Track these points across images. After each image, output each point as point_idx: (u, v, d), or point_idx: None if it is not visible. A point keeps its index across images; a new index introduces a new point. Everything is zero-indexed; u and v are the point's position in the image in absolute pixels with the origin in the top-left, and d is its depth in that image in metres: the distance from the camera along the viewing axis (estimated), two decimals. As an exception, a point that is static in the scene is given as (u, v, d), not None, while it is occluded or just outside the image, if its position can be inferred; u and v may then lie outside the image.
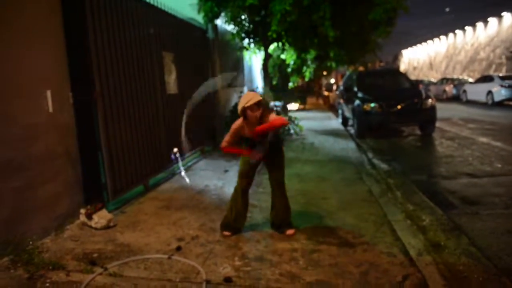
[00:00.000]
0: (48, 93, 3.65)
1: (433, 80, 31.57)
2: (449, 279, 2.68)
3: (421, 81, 28.70)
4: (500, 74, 19.73)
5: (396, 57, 59.57)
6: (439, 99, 19.64)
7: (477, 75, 27.79)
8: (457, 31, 39.05)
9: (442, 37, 43.09)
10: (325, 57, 13.30)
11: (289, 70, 14.24)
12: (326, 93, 25.48)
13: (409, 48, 54.22)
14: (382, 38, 11.49)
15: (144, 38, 5.26)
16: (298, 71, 14.23)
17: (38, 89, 3.57)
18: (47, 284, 2.74)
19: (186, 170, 6.34)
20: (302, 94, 19.93)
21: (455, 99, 21.85)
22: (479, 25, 34.43)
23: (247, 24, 9.84)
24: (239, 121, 3.40)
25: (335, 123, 12.95)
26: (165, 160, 5.77)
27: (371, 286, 2.63)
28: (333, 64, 14.14)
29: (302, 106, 19.21)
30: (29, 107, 3.46)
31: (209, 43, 8.43)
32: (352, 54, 13.04)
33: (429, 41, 46.84)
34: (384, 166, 6.55)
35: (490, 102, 17.39)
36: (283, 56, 13.01)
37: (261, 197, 4.59)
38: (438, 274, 2.73)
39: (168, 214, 4.21)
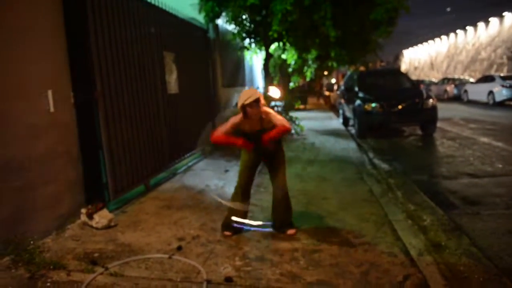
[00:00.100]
0: (49, 93, 3.65)
1: (434, 80, 31.56)
2: (450, 279, 2.67)
3: (422, 81, 28.68)
4: (501, 74, 19.71)
5: (397, 57, 59.53)
6: (440, 99, 19.64)
7: (478, 75, 27.77)
8: (458, 31, 39.00)
9: (443, 37, 43.05)
10: (326, 57, 13.31)
11: (290, 70, 14.26)
12: (327, 93, 25.49)
13: (410, 48, 54.17)
14: (383, 38, 11.48)
15: (145, 37, 5.26)
16: (299, 71, 14.25)
17: (39, 88, 3.57)
18: (48, 284, 2.74)
19: (187, 170, 6.35)
20: (303, 94, 19.93)
21: (456, 99, 21.85)
22: (480, 25, 34.39)
23: (248, 24, 9.85)
24: (238, 116, 3.35)
25: (336, 123, 12.94)
26: (166, 160, 5.77)
27: (371, 286, 2.62)
28: (334, 64, 14.16)
29: (303, 106, 19.20)
30: (30, 106, 3.46)
31: (210, 43, 8.43)
32: (353, 54, 13.04)
33: (430, 41, 46.79)
34: (385, 166, 6.55)
35: (491, 102, 17.38)
36: (284, 56, 13.02)
37: (262, 196, 4.59)
38: (439, 274, 2.73)
39: (169, 214, 4.21)
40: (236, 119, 3.36)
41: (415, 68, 52.59)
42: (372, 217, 3.90)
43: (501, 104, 16.80)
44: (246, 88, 12.08)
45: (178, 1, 6.56)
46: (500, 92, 16.89)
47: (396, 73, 13.16)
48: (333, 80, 32.71)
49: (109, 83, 4.35)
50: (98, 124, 4.17)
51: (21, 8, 3.40)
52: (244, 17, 9.31)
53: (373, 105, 9.31)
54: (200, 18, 8.32)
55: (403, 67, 55.79)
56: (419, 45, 50.64)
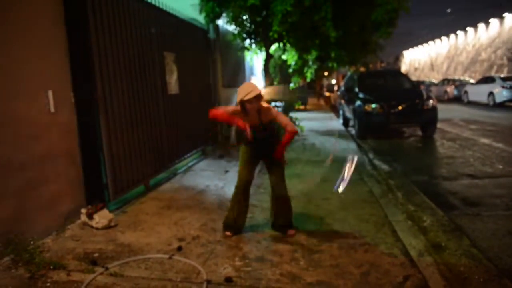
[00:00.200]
0: (50, 93, 3.66)
1: (434, 81, 31.57)
2: (450, 280, 2.67)
3: (422, 82, 28.70)
4: (502, 75, 19.69)
5: (398, 58, 59.54)
6: (440, 100, 19.64)
7: (479, 76, 27.77)
8: (458, 32, 39.00)
9: (444, 38, 43.05)
10: (326, 58, 13.32)
11: (290, 70, 14.25)
12: (327, 93, 25.51)
13: (411, 49, 54.18)
14: (383, 38, 11.48)
15: (146, 38, 5.27)
16: (299, 71, 14.24)
17: (40, 89, 3.57)
18: (48, 284, 2.74)
19: (187, 170, 6.35)
20: (303, 95, 19.93)
21: (456, 100, 21.85)
22: (481, 26, 34.39)
23: (248, 25, 9.86)
24: (238, 109, 3.33)
25: (336, 123, 12.94)
26: (166, 160, 5.78)
27: (371, 286, 2.62)
28: (334, 65, 14.16)
29: (303, 107, 19.20)
30: (30, 107, 3.46)
31: (211, 43, 8.44)
32: (353, 55, 13.05)
33: (431, 42, 46.80)
34: (385, 167, 6.55)
35: (491, 103, 17.38)
36: (284, 57, 13.02)
37: (262, 197, 4.59)
38: (439, 275, 2.73)
39: (169, 214, 4.21)
40: (236, 109, 3.36)
41: (415, 69, 52.60)
42: (372, 218, 3.90)
43: (501, 105, 16.80)
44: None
45: (179, 2, 6.57)
46: (500, 93, 16.89)
47: (396, 74, 13.16)
48: (333, 81, 32.73)
49: (110, 83, 4.35)
50: (98, 124, 4.17)
51: (21, 8, 3.41)
52: (244, 17, 9.32)
53: (373, 106, 9.31)
54: (200, 18, 8.32)
55: (403, 68, 55.80)
56: (419, 46, 50.65)
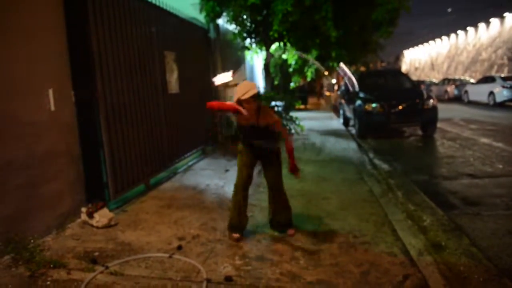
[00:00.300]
0: (50, 92, 3.66)
1: (434, 80, 31.54)
2: (450, 279, 2.68)
3: (422, 82, 28.67)
4: (502, 75, 19.68)
5: (398, 58, 59.49)
6: (440, 99, 19.63)
7: (479, 76, 27.76)
8: (459, 31, 38.96)
9: (444, 37, 43.01)
10: (326, 57, 13.31)
11: (290, 70, 14.25)
12: (327, 93, 25.49)
13: (411, 49, 54.14)
14: (384, 38, 11.49)
15: (146, 37, 5.27)
16: (299, 71, 14.24)
17: (40, 87, 3.58)
18: (48, 282, 2.75)
19: (187, 169, 6.35)
20: (303, 94, 19.92)
21: (457, 99, 21.83)
22: (481, 25, 34.36)
23: (248, 24, 9.85)
24: (235, 106, 3.28)
25: (336, 123, 12.94)
26: (166, 159, 5.78)
27: (371, 285, 2.63)
28: (335, 64, 14.16)
29: (303, 106, 19.20)
30: (31, 105, 3.47)
31: (211, 42, 8.43)
32: (353, 54, 13.06)
33: (431, 42, 46.75)
34: (385, 166, 6.56)
35: (491, 103, 17.37)
36: (284, 56, 13.02)
37: (261, 196, 4.59)
38: (439, 274, 2.73)
39: (169, 213, 4.21)
40: (234, 104, 3.30)
41: (416, 69, 52.57)
42: (372, 217, 3.91)
43: (501, 105, 16.79)
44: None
45: (179, 1, 6.56)
46: (501, 93, 16.88)
47: (396, 74, 13.15)
48: (334, 81, 32.72)
49: (110, 82, 4.35)
50: (98, 123, 4.18)
51: (22, 7, 3.41)
52: (244, 17, 9.32)
53: (374, 105, 9.31)
54: (201, 17, 8.32)
55: (404, 68, 55.76)
56: (420, 45, 50.60)
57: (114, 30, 4.46)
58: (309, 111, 17.77)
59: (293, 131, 9.79)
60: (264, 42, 10.49)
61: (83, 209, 3.90)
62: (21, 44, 3.37)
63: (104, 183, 4.27)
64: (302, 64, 13.22)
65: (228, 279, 2.74)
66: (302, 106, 19.04)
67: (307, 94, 21.06)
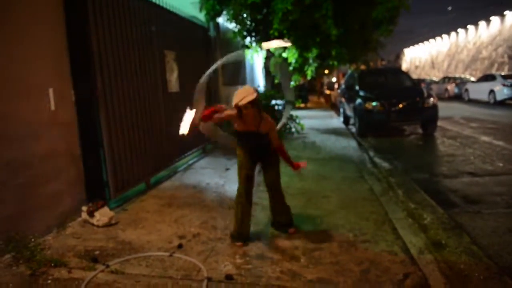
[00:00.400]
0: (50, 91, 3.66)
1: (435, 79, 31.50)
2: (450, 278, 2.68)
3: (423, 80, 28.63)
4: (502, 73, 19.65)
5: (398, 56, 59.42)
6: (441, 98, 19.60)
7: (479, 74, 27.70)
8: (459, 30, 38.91)
9: (444, 36, 42.95)
10: (327, 56, 13.27)
11: (290, 68, 14.21)
12: (327, 91, 25.46)
13: (411, 47, 54.07)
14: (384, 36, 11.44)
15: (146, 36, 5.26)
16: (299, 69, 14.20)
17: (40, 87, 3.58)
18: (49, 281, 2.75)
19: (187, 168, 6.35)
20: (303, 93, 19.90)
21: (457, 98, 21.81)
22: (482, 24, 34.31)
23: (248, 22, 9.83)
24: (234, 112, 3.19)
25: (337, 121, 12.94)
26: (166, 158, 5.78)
27: (372, 284, 2.63)
28: (335, 63, 14.12)
29: (303, 105, 19.18)
30: (31, 105, 3.47)
31: (211, 41, 8.43)
32: (354, 53, 12.99)
33: (431, 40, 46.69)
34: (385, 164, 6.55)
35: (492, 101, 17.35)
36: (284, 55, 12.99)
37: (262, 195, 4.58)
38: (439, 272, 2.74)
39: (170, 212, 4.22)
40: (233, 112, 3.20)
41: (416, 67, 52.52)
42: (372, 216, 3.91)
43: (502, 103, 16.77)
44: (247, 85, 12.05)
45: (179, 0, 6.56)
46: (501, 91, 16.85)
47: (397, 72, 13.14)
48: (334, 79, 32.68)
49: (110, 81, 4.35)
50: (98, 122, 4.18)
51: (22, 6, 3.40)
52: (245, 15, 9.29)
53: (374, 103, 9.30)
54: (201, 16, 8.31)
55: (404, 66, 55.70)
56: (420, 44, 50.53)
57: (114, 29, 4.46)
58: (309, 110, 17.76)
59: (293, 129, 9.79)
60: (264, 40, 10.46)
61: (84, 208, 3.90)
62: (21, 44, 3.37)
63: (104, 182, 4.27)
64: (302, 63, 13.18)
65: (229, 277, 2.74)
66: (302, 105, 19.02)
67: (307, 92, 21.05)
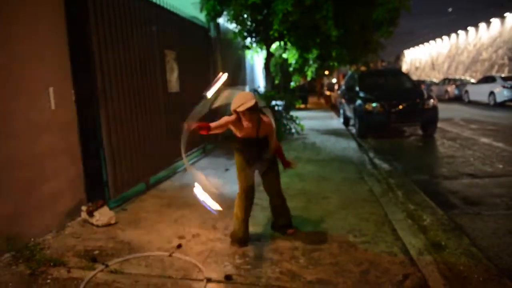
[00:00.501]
0: (51, 90, 3.66)
1: (435, 80, 31.54)
2: (450, 279, 2.68)
3: (423, 81, 28.66)
4: (503, 75, 19.68)
5: (398, 57, 59.47)
6: (441, 99, 19.62)
7: (479, 76, 27.74)
8: (459, 31, 38.95)
9: (445, 37, 42.99)
10: (327, 57, 13.30)
11: (291, 69, 14.25)
12: (327, 92, 25.49)
13: (412, 48, 54.12)
14: (385, 38, 11.47)
15: (147, 36, 5.27)
16: (300, 70, 14.23)
17: (41, 86, 3.58)
18: (49, 281, 2.75)
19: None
20: (303, 94, 19.90)
21: (457, 99, 21.83)
22: (482, 25, 34.34)
23: (249, 23, 9.85)
24: (233, 117, 3.16)
25: (337, 122, 12.94)
26: (166, 158, 5.77)
27: (371, 285, 2.63)
28: (335, 64, 14.15)
29: (303, 106, 19.19)
30: (31, 104, 3.47)
31: (211, 41, 8.43)
32: (354, 54, 13.03)
33: (432, 41, 46.74)
34: (385, 166, 6.55)
35: (492, 103, 17.36)
36: (285, 55, 13.02)
37: (262, 195, 4.57)
38: (439, 273, 2.73)
39: (169, 212, 4.22)
40: (231, 118, 3.17)
41: (416, 68, 52.56)
42: (372, 217, 3.91)
43: (502, 105, 16.78)
44: (247, 88, 12.07)
45: (180, 0, 6.56)
46: (501, 93, 16.87)
47: (397, 73, 13.14)
48: (334, 80, 32.69)
49: (110, 81, 4.35)
50: (98, 122, 4.18)
51: (22, 5, 3.41)
52: (245, 16, 9.31)
53: (374, 105, 9.30)
54: (201, 16, 8.32)
55: (404, 67, 55.74)
56: (420, 45, 50.58)
57: (114, 29, 4.46)
58: (309, 111, 17.76)
59: (293, 130, 9.79)
60: (265, 41, 10.49)
61: (83, 208, 3.90)
62: (22, 43, 3.37)
63: (104, 181, 4.27)
64: (303, 64, 13.20)
65: (228, 278, 2.74)
66: (302, 106, 19.03)
67: (307, 93, 21.05)
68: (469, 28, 36.79)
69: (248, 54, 12.16)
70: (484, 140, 8.49)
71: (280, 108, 10.16)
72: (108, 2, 4.35)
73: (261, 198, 4.46)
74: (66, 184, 3.89)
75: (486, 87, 18.07)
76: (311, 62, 13.67)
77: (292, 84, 16.98)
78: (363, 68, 17.10)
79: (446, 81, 25.75)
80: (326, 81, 31.45)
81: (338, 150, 7.75)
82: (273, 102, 9.90)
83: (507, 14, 30.02)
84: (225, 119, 3.24)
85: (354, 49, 12.35)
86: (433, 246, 3.24)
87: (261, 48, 11.20)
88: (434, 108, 9.41)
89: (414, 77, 40.80)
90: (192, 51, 7.09)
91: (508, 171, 5.83)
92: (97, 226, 3.76)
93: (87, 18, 4.01)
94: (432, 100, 9.49)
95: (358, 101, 9.86)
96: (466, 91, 20.39)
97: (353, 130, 10.76)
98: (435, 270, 2.78)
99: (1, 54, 3.17)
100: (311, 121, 12.80)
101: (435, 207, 4.35)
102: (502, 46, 30.86)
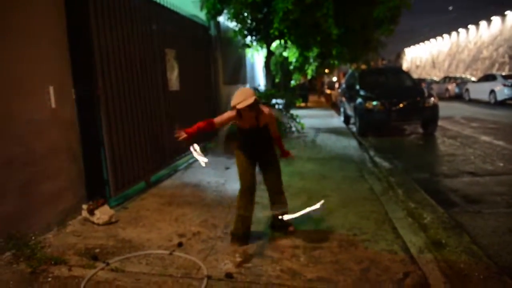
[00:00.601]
0: (51, 89, 3.66)
1: (435, 78, 31.49)
2: (450, 277, 2.68)
3: (423, 80, 28.62)
4: (503, 73, 19.64)
5: (399, 56, 59.41)
6: (441, 97, 19.60)
7: (480, 74, 27.69)
8: (460, 29, 38.89)
9: (445, 35, 42.93)
10: (327, 55, 13.29)
11: (291, 67, 14.23)
12: (328, 91, 25.48)
13: (412, 47, 54.04)
14: (385, 36, 11.46)
15: (147, 34, 5.26)
16: (300, 68, 14.21)
17: (41, 84, 3.58)
18: (49, 279, 2.75)
19: (188, 167, 6.36)
20: (304, 92, 19.90)
21: (458, 98, 21.80)
22: (482, 23, 34.29)
23: (249, 21, 9.84)
24: (233, 112, 3.19)
25: (337, 121, 12.93)
26: (167, 157, 5.78)
27: (371, 283, 2.63)
28: (336, 62, 14.14)
29: (304, 104, 19.19)
30: (32, 102, 3.47)
31: (212, 40, 8.43)
32: (354, 52, 13.02)
33: (432, 40, 46.67)
34: (385, 164, 6.55)
35: (492, 101, 17.34)
36: (285, 54, 13.00)
37: (263, 194, 4.58)
38: (439, 271, 2.74)
39: (170, 211, 4.22)
40: (232, 113, 3.22)
41: (417, 67, 52.50)
42: (372, 215, 3.91)
43: (502, 103, 16.76)
44: (247, 86, 12.06)
45: (180, -2, 6.56)
46: (502, 91, 16.85)
47: (397, 72, 13.12)
48: (334, 78, 32.68)
49: (111, 79, 4.35)
50: (99, 120, 4.18)
51: (23, 4, 3.40)
52: (245, 14, 9.30)
53: (374, 103, 9.29)
54: (201, 15, 8.31)
55: (405, 66, 55.68)
56: (421, 43, 50.52)
57: (115, 27, 4.46)
58: (309, 109, 17.75)
59: (293, 129, 9.79)
60: (265, 39, 10.48)
61: (84, 206, 3.90)
62: (22, 42, 3.36)
63: (104, 180, 4.28)
64: (303, 62, 13.19)
65: (229, 276, 2.74)
66: (302, 104, 19.04)
67: (307, 91, 21.05)
68: (469, 26, 36.73)
69: (249, 52, 12.16)
70: (485, 138, 8.48)
71: (281, 106, 10.16)
72: (108, 1, 4.35)
73: (262, 197, 4.46)
74: (67, 182, 3.89)
75: (487, 85, 18.05)
76: (311, 60, 13.65)
77: (293, 82, 16.96)
78: (363, 67, 17.08)
79: (447, 79, 25.72)
80: (326, 79, 31.42)
81: (338, 148, 7.75)
82: (274, 101, 9.91)
83: (507, 12, 29.97)
84: (227, 114, 3.30)
85: (354, 47, 12.33)
86: (434, 244, 3.24)
87: (262, 47, 11.20)
88: (435, 106, 9.40)
89: (415, 75, 40.71)
90: (193, 50, 7.09)
91: (508, 169, 5.83)
92: (98, 224, 3.76)
93: (88, 16, 4.01)
94: (432, 98, 9.47)
95: (359, 100, 9.85)
96: (467, 90, 20.37)
97: (354, 129, 10.75)
98: (436, 268, 2.79)
99: (1, 53, 3.17)
100: (312, 119, 12.80)
101: (435, 205, 4.35)
102: (502, 44, 30.81)
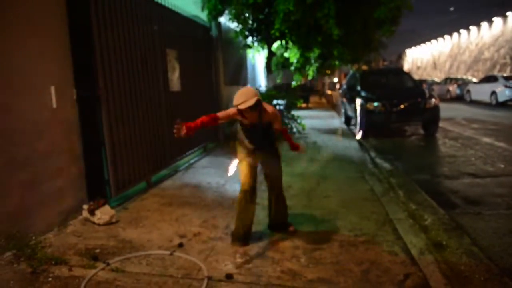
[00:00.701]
0: (52, 89, 3.66)
1: (436, 79, 31.48)
2: (451, 279, 2.67)
3: (424, 81, 28.61)
4: (504, 74, 19.63)
5: (400, 56, 59.41)
6: (442, 99, 19.60)
7: (481, 75, 27.68)
8: (461, 30, 38.89)
9: (446, 36, 42.92)
10: (328, 56, 13.27)
11: (292, 68, 14.21)
12: (329, 92, 25.48)
13: (413, 48, 54.04)
14: (386, 37, 11.44)
15: (148, 35, 5.27)
16: (301, 69, 14.18)
17: (42, 85, 3.58)
18: (50, 279, 2.76)
19: (189, 167, 6.36)
20: (305, 93, 19.89)
21: (459, 99, 21.79)
22: (484, 24, 34.28)
23: (250, 22, 9.84)
24: (235, 111, 3.12)
25: (338, 122, 12.93)
26: (167, 157, 5.78)
27: (372, 284, 2.63)
28: (337, 63, 14.12)
29: (305, 105, 19.19)
30: (33, 103, 3.47)
31: (213, 40, 8.43)
32: (356, 53, 12.98)
33: (433, 41, 46.67)
34: (386, 165, 6.55)
35: (494, 102, 17.33)
36: (286, 54, 12.99)
37: (263, 194, 4.58)
38: (440, 273, 2.73)
39: (170, 211, 4.22)
40: (234, 111, 3.15)
41: (418, 68, 52.48)
42: (373, 216, 3.90)
43: (503, 105, 16.75)
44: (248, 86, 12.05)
45: (181, -1, 6.56)
46: (503, 92, 16.84)
47: (398, 73, 13.11)
48: (335, 79, 32.68)
49: (112, 79, 4.36)
50: (100, 120, 4.19)
51: (24, 4, 3.41)
52: (246, 15, 9.30)
53: (375, 104, 9.29)
54: (203, 15, 8.31)
55: (406, 67, 55.67)
56: (422, 44, 50.52)
57: (116, 28, 4.46)
58: (310, 110, 17.75)
59: (294, 129, 9.79)
60: (266, 40, 10.48)
61: (85, 206, 3.91)
62: (23, 41, 3.37)
63: (105, 180, 4.28)
64: (304, 63, 13.17)
65: (229, 276, 2.74)
66: (303, 105, 19.03)
67: (309, 92, 21.05)
68: (471, 27, 36.72)
69: (250, 53, 12.15)
70: (486, 139, 8.47)
71: (282, 107, 10.16)
72: (110, 1, 4.35)
73: (262, 198, 4.46)
74: (68, 182, 3.89)
75: (488, 87, 18.04)
76: (312, 61, 13.63)
77: (294, 83, 16.95)
78: (364, 67, 17.09)
79: (448, 80, 25.70)
80: (327, 80, 31.43)
81: (339, 149, 7.75)
82: (275, 102, 9.90)
83: (509, 13, 29.95)
84: (231, 110, 3.24)
85: (355, 48, 12.30)
86: (434, 245, 3.24)
87: (263, 47, 11.20)
88: (436, 107, 9.39)
89: (416, 77, 40.71)
90: (194, 50, 7.09)
91: (509, 171, 5.82)
92: (98, 224, 3.76)
93: (89, 16, 4.02)
94: (433, 100, 9.47)
95: (360, 101, 9.85)
96: (468, 91, 20.36)
97: (354, 129, 10.75)
98: (436, 269, 2.78)
99: (1, 52, 3.17)
100: (313, 120, 12.81)
101: (436, 206, 4.35)
102: (504, 46, 30.79)
